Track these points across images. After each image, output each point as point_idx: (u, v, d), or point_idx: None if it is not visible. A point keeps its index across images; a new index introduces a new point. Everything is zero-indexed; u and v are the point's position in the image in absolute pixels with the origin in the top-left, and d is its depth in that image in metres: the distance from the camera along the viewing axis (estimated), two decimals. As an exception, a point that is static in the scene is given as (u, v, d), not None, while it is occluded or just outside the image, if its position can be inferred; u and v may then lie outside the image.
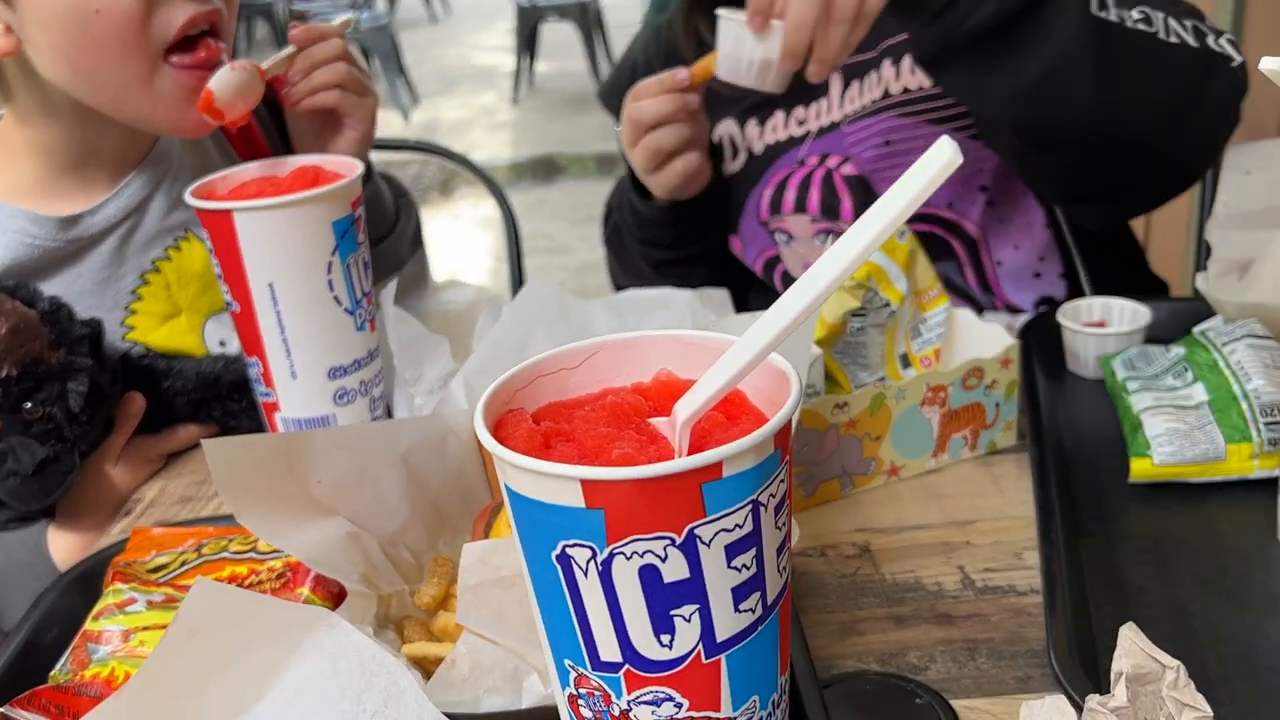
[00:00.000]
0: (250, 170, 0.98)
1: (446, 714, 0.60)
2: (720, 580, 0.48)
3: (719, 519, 0.47)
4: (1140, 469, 0.84)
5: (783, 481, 0.50)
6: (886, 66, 1.23)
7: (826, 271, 0.45)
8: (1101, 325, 1.05)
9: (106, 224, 1.03)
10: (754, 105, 1.30)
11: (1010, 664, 0.70)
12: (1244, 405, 0.85)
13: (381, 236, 1.20)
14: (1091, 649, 0.70)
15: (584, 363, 0.56)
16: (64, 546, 0.97)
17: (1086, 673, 0.67)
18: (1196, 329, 0.94)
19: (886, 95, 1.23)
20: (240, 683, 0.54)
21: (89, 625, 0.70)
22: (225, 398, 1.05)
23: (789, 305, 0.46)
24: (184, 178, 1.05)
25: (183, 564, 0.78)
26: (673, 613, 0.48)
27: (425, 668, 0.67)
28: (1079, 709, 0.59)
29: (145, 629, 0.69)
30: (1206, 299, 0.97)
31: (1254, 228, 1.00)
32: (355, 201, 0.94)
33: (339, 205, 0.92)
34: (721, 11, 1.05)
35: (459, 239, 4.52)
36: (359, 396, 0.97)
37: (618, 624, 0.48)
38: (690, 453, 0.50)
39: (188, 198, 0.92)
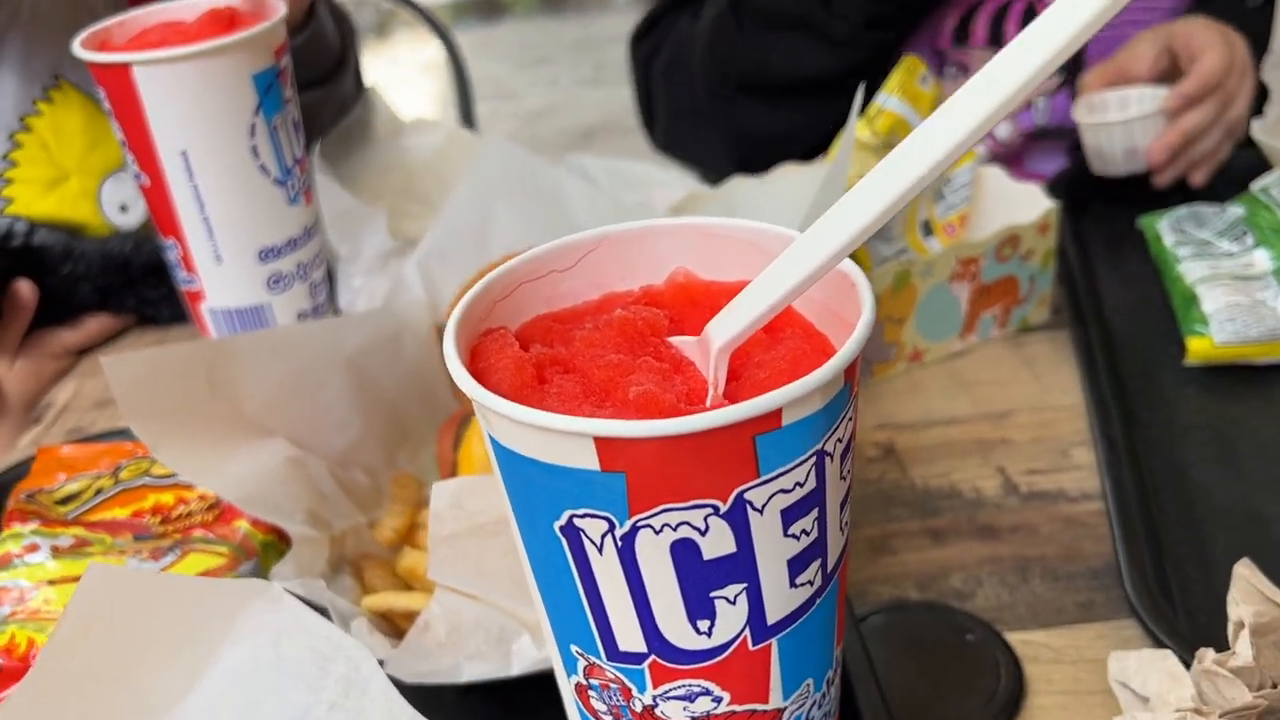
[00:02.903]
0: (151, 14, 0.82)
1: (423, 685, 0.50)
2: (774, 552, 0.37)
3: (776, 478, 0.36)
4: (1198, 349, 0.74)
5: (851, 419, 0.38)
6: None
7: (929, 149, 0.33)
8: None
9: None
10: None
11: (1069, 586, 0.61)
12: (1315, 273, 0.74)
13: (327, 75, 1.04)
14: (1160, 566, 0.61)
15: (579, 262, 0.44)
16: (-38, 462, 0.84)
17: (1163, 595, 0.58)
18: (1255, 184, 0.82)
19: None
20: (159, 676, 0.42)
21: (-19, 581, 0.58)
22: (139, 283, 0.91)
23: (871, 194, 0.34)
24: (44, 13, 0.88)
25: (97, 493, 0.66)
26: (713, 595, 0.37)
27: (394, 622, 0.56)
28: (1183, 661, 0.50)
29: (51, 583, 0.58)
30: (1264, 150, 0.85)
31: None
32: (279, 50, 0.79)
33: (260, 55, 0.77)
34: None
35: (400, 85, 4.26)
36: (296, 281, 0.83)
37: (642, 609, 0.37)
38: (728, 384, 0.39)
39: (76, 49, 0.76)
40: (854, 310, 0.39)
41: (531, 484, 0.36)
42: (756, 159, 1.22)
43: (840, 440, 0.38)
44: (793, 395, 0.34)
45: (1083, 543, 0.64)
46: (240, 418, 0.60)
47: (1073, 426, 0.72)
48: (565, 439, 0.34)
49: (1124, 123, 0.90)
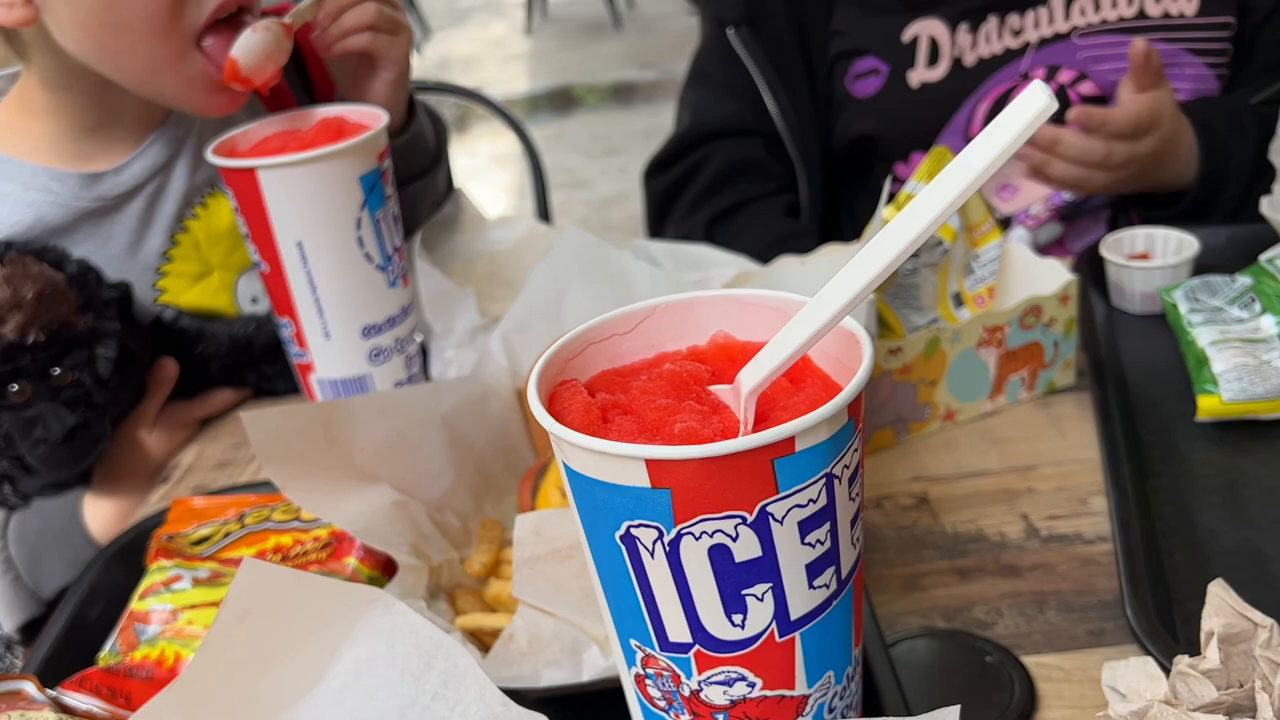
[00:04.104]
0: (272, 124, 0.95)
1: (506, 689, 0.59)
2: (793, 557, 0.46)
3: (792, 495, 0.44)
4: (1208, 407, 0.81)
5: (856, 450, 0.47)
6: None
7: (905, 230, 0.42)
8: (1145, 258, 1.01)
9: (133, 184, 1.00)
10: (968, 9, 1.20)
11: (1081, 616, 0.68)
12: (1316, 337, 0.81)
13: (425, 169, 1.16)
14: (1166, 599, 0.68)
15: (637, 327, 0.54)
16: (100, 515, 0.96)
17: (1164, 625, 0.65)
18: (1263, 256, 0.90)
19: (1142, 15, 1.17)
20: (295, 667, 0.52)
21: (135, 605, 0.69)
22: (259, 361, 1.03)
23: (864, 266, 0.43)
24: (208, 133, 1.02)
25: (226, 535, 0.76)
26: (744, 592, 0.46)
27: (481, 639, 0.65)
28: (1164, 668, 0.57)
29: (192, 607, 0.68)
30: (1272, 224, 0.93)
31: (1320, 147, 0.96)
32: (382, 153, 0.90)
33: (365, 159, 0.89)
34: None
35: (478, 177, 4.47)
36: (394, 354, 0.94)
37: (687, 605, 0.46)
38: (756, 423, 0.48)
39: (209, 156, 0.89)
40: (858, 361, 0.48)
41: (597, 500, 0.46)
42: None
43: (847, 467, 0.46)
44: (803, 426, 0.43)
45: (1096, 579, 0.71)
46: (352, 466, 0.70)
47: (1092, 478, 0.80)
48: (622, 462, 0.43)
49: (1145, 269, 0.97)
